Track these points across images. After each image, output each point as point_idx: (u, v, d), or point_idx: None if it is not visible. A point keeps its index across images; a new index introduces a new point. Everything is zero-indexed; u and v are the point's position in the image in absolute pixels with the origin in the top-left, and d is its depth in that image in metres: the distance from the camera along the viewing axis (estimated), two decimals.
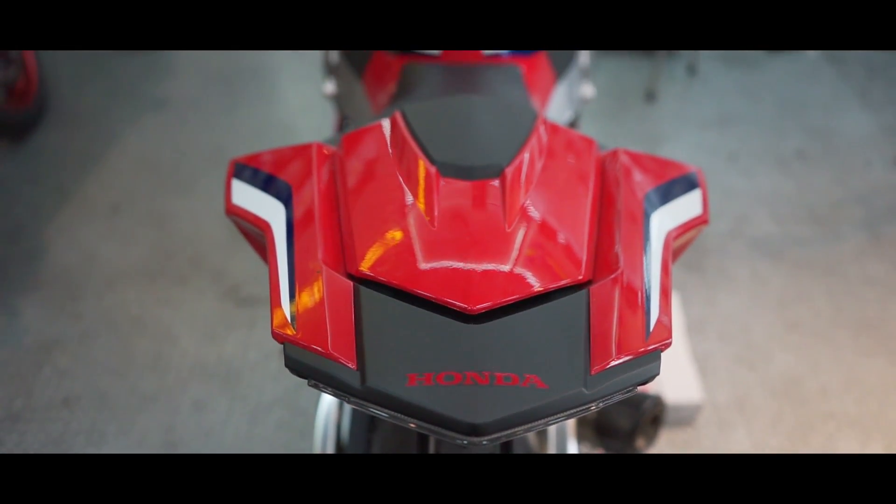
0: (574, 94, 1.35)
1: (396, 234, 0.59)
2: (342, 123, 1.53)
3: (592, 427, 1.31)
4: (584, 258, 0.60)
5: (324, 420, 1.00)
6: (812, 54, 3.19)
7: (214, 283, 2.03)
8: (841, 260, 2.18)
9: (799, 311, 2.01)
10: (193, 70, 3.03)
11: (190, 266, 2.09)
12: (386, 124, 0.70)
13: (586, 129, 2.59)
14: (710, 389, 1.78)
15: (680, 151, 2.61)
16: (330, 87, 1.39)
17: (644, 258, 0.61)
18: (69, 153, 2.53)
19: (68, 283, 2.03)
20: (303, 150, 0.69)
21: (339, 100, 1.40)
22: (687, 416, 1.67)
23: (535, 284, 0.57)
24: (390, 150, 0.67)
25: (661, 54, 2.84)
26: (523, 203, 0.62)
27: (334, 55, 1.35)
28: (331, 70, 1.40)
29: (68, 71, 2.96)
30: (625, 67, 3.07)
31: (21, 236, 2.18)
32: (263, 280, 2.03)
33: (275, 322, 0.56)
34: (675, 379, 1.68)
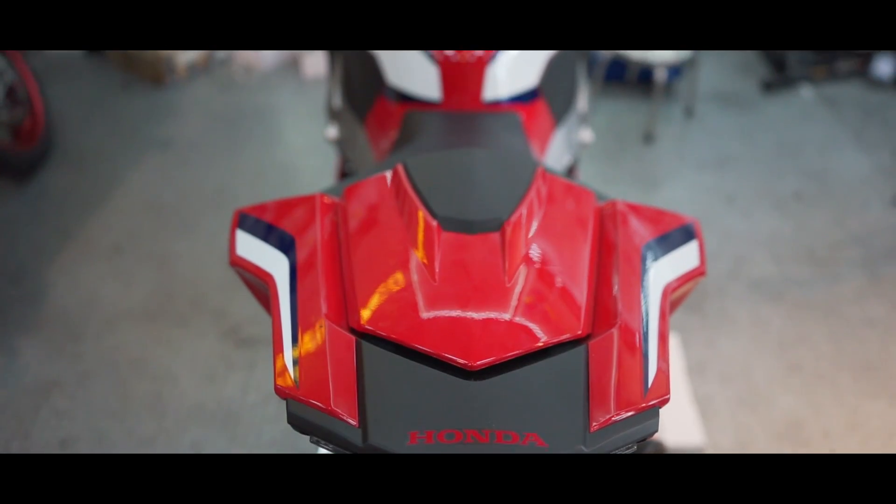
0: (573, 139, 1.37)
1: (398, 289, 0.60)
2: (344, 166, 1.55)
3: None
4: (583, 312, 0.60)
5: None
6: (807, 96, 3.23)
7: (215, 324, 2.03)
8: (841, 301, 2.18)
9: (800, 352, 2.01)
10: (196, 111, 3.07)
11: (190, 307, 2.09)
12: (388, 176, 0.71)
13: (586, 170, 2.62)
14: (711, 433, 1.77)
15: (678, 192, 2.63)
16: (332, 131, 1.41)
17: (642, 312, 0.62)
18: (72, 194, 2.55)
19: (69, 323, 2.03)
20: (306, 202, 0.70)
21: (342, 144, 1.42)
22: None
23: (535, 340, 0.57)
24: (392, 203, 0.68)
25: (659, 96, 2.88)
26: (523, 257, 0.62)
27: (337, 100, 1.38)
28: (333, 115, 1.42)
29: (74, 112, 3.00)
30: (623, 109, 3.11)
31: (23, 277, 2.19)
32: (264, 321, 2.03)
33: (278, 378, 0.56)
34: (677, 422, 1.67)
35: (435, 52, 1.12)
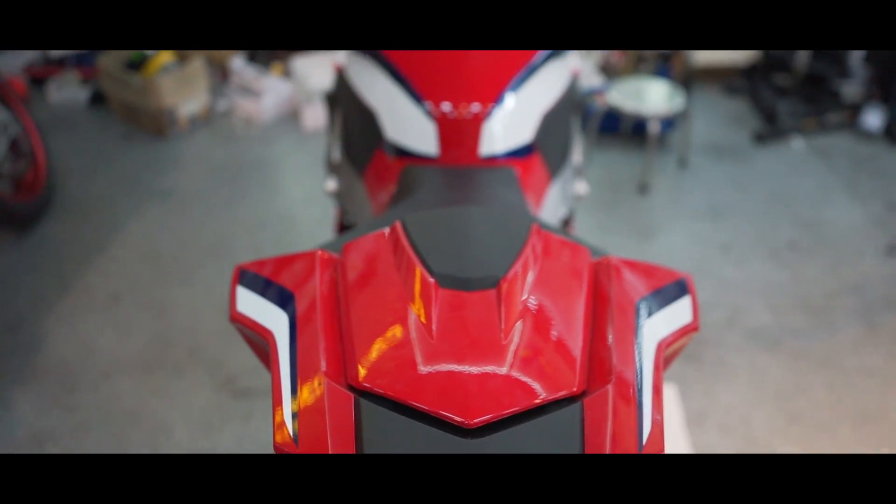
0: (568, 191, 1.39)
1: (396, 346, 0.61)
2: (343, 218, 1.57)
3: None
4: (579, 369, 0.61)
5: None
6: (798, 147, 3.29)
7: (211, 375, 2.02)
8: (838, 350, 2.18)
9: (799, 402, 2.00)
10: (197, 162, 3.11)
11: (187, 357, 2.09)
12: (386, 233, 0.73)
13: (582, 221, 2.65)
14: None
15: (673, 242, 2.65)
16: (332, 184, 1.43)
17: (636, 367, 0.62)
18: (72, 244, 2.56)
19: (65, 374, 2.02)
20: (305, 258, 0.72)
21: (341, 197, 1.44)
22: None
23: (532, 398, 0.58)
24: (390, 260, 0.69)
25: (653, 147, 2.93)
26: (519, 314, 0.63)
27: (336, 154, 1.40)
28: (332, 168, 1.45)
29: (76, 163, 3.04)
30: (618, 161, 3.16)
31: (20, 327, 2.18)
32: (260, 371, 2.02)
33: (277, 436, 0.56)
34: None
35: (432, 109, 1.15)
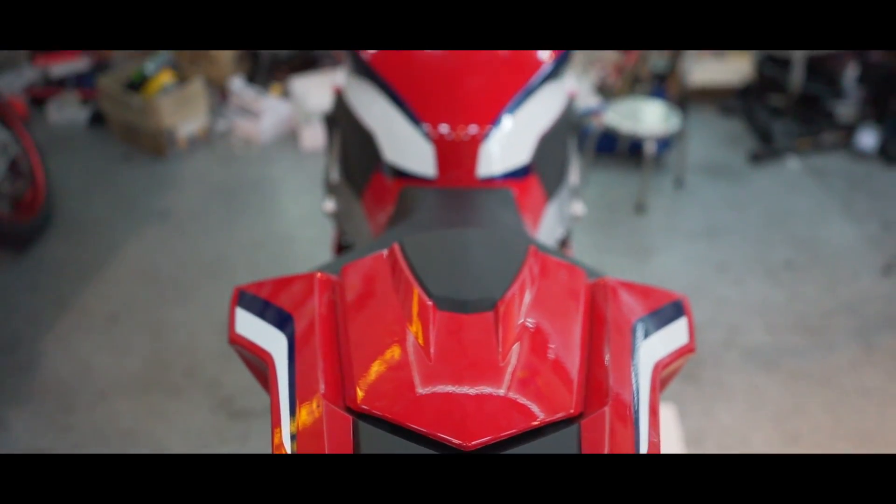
0: (565, 212, 1.40)
1: (394, 368, 0.61)
2: (340, 239, 1.58)
3: None
4: (576, 390, 0.61)
5: None
6: (793, 167, 3.31)
7: (208, 395, 2.02)
8: (836, 370, 2.18)
9: (797, 422, 2.00)
10: (196, 182, 3.12)
11: (184, 377, 2.08)
12: (384, 255, 0.73)
13: (579, 241, 2.66)
14: None
15: (671, 262, 2.66)
16: (330, 205, 1.44)
17: (633, 388, 0.63)
18: (71, 264, 2.57)
19: (61, 394, 2.02)
20: (304, 280, 0.72)
21: (339, 217, 1.45)
22: None
23: (529, 419, 0.58)
24: (388, 282, 0.69)
25: (649, 167, 2.95)
26: (516, 336, 0.64)
27: (334, 175, 1.41)
28: (331, 189, 1.45)
29: (75, 183, 3.05)
30: (614, 181, 3.17)
31: (18, 347, 2.18)
32: (257, 392, 2.02)
33: None
34: None
35: (430, 131, 1.16)
